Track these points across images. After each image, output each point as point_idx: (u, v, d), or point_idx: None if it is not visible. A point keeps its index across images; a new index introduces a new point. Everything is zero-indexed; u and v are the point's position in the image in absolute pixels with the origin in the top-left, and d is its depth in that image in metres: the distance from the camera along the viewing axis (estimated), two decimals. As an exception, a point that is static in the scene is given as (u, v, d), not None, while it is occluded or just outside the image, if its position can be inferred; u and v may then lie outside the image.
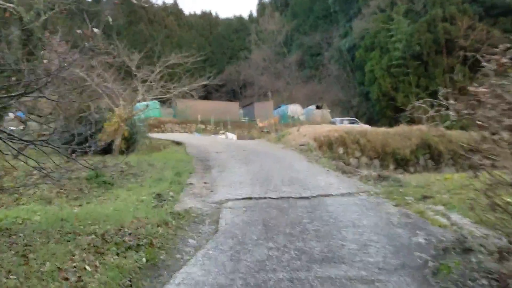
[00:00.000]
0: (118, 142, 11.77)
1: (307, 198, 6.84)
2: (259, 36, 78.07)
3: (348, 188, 7.53)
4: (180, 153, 14.57)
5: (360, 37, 52.09)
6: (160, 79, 13.21)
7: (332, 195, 7.03)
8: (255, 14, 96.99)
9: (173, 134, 29.25)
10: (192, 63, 14.24)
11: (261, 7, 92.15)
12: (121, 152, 15.08)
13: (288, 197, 6.90)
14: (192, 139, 21.88)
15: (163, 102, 47.68)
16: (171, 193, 7.62)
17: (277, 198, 6.85)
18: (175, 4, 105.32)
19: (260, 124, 35.07)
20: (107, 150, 12.86)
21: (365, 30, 50.92)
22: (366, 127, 35.53)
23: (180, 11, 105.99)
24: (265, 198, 6.90)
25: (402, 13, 44.35)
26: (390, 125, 38.95)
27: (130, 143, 15.67)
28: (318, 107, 46.68)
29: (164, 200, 7.04)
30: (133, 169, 9.57)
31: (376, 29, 47.61)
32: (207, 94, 79.02)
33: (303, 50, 67.50)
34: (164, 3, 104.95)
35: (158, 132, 33.70)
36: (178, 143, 20.28)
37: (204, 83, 14.07)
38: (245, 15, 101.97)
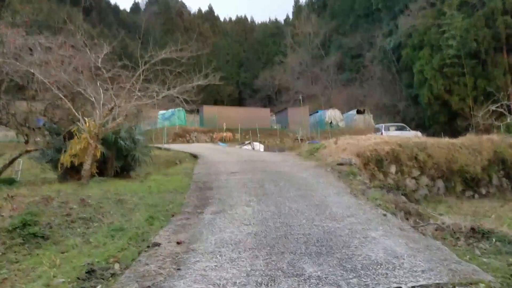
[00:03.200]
0: (87, 165, 8.73)
1: (353, 299, 3.37)
2: (295, 39, 74.73)
3: (432, 269, 3.94)
4: (183, 174, 11.42)
5: (407, 35, 47.49)
6: (144, 81, 10.02)
7: (404, 291, 3.50)
8: (291, 17, 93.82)
9: (195, 145, 26.35)
10: (191, 60, 10.94)
11: (298, 10, 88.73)
12: (114, 176, 12.16)
13: (316, 296, 3.45)
14: (211, 152, 18.82)
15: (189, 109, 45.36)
16: (116, 267, 4.43)
17: (293, 298, 3.42)
18: (211, 11, 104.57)
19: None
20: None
21: (412, 27, 46.32)
22: (417, 134, 31.21)
23: (216, 18, 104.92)
24: (269, 295, 3.49)
25: (455, 7, 39.46)
26: (444, 131, 34.29)
27: (129, 161, 12.77)
28: (359, 112, 42.41)
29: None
30: (89, 210, 6.42)
31: (425, 25, 42.98)
32: (240, 100, 76.57)
33: (342, 52, 63.33)
34: (199, 10, 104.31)
35: (182, 142, 31.02)
36: (195, 156, 17.44)
37: (199, 83, 10.74)
38: (281, 19, 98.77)
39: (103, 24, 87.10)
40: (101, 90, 8.80)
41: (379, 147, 13.33)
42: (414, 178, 13.86)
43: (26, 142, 17.45)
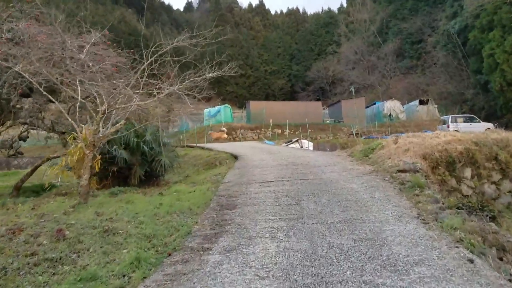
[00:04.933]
0: (84, 180, 7.30)
1: None
2: (350, 27, 71.13)
3: None
4: (211, 182, 9.87)
5: (474, 16, 42.63)
6: (149, 77, 8.34)
7: None
8: (345, 5, 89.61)
9: (240, 143, 24.85)
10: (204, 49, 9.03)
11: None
12: (139, 184, 10.91)
13: None
14: (253, 152, 17.19)
15: (239, 105, 44.02)
16: None
17: None
18: (261, 5, 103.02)
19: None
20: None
21: (480, 7, 41.40)
22: (489, 126, 27.65)
23: (267, 11, 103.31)
24: None
25: (531, -20, 34.47)
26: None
27: (155, 167, 11.46)
28: (422, 102, 38.65)
29: None
30: (62, 246, 4.96)
31: (495, 4, 38.15)
32: (292, 94, 74.32)
33: (401, 38, 58.82)
34: (250, 4, 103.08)
35: (228, 139, 29.74)
36: (235, 157, 16.02)
37: (210, 75, 8.81)
38: (335, 8, 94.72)
39: (156, 23, 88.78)
40: (75, 88, 7.21)
41: (451, 146, 10.88)
42: (494, 183, 11.28)
43: (64, 145, 16.80)
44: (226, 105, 33.61)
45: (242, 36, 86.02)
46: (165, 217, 6.24)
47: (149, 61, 7.90)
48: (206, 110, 33.62)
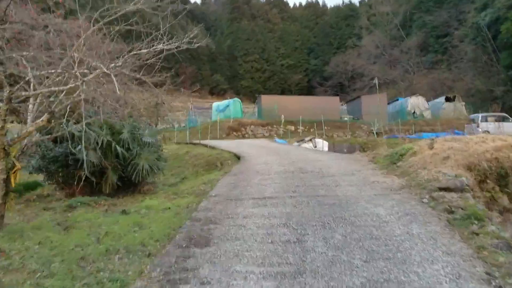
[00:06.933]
0: None
1: None
2: (371, 20, 68.10)
3: None
4: (194, 195, 7.86)
5: (507, 7, 39.54)
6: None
7: None
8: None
9: (248, 141, 22.73)
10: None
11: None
12: (114, 192, 8.98)
13: None
14: (260, 153, 15.15)
15: (253, 100, 41.88)
16: None
17: None
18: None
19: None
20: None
21: (514, -3, 38.35)
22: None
23: (285, 4, 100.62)
24: None
25: None
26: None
27: (131, 172, 9.48)
28: (448, 99, 35.81)
29: None
30: None
31: (531, -8, 35.08)
32: (309, 89, 71.72)
33: (425, 31, 55.67)
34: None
35: (238, 136, 27.67)
36: (238, 158, 14.15)
37: (161, 46, 6.47)
38: (356, 1, 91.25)
39: (172, 16, 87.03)
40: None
41: (502, 154, 8.55)
42: (559, 200, 8.93)
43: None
44: (236, 99, 31.56)
45: (258, 29, 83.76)
46: (97, 262, 4.16)
47: (89, 31, 5.81)
48: (214, 105, 31.65)
